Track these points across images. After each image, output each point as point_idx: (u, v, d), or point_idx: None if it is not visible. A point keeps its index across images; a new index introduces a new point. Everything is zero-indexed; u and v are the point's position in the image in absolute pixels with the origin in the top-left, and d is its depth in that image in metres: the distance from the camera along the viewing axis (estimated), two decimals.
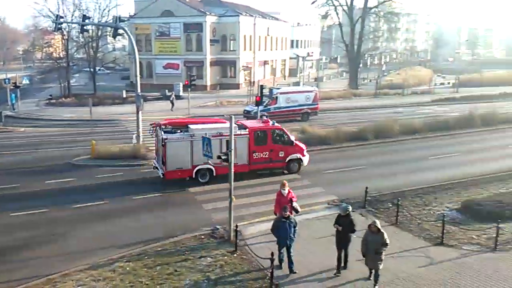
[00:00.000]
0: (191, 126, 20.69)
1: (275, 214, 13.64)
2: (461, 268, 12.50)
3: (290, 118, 35.67)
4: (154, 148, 23.12)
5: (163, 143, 19.76)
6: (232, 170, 13.89)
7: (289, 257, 12.22)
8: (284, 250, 12.29)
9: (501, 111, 36.99)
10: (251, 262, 12.88)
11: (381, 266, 11.25)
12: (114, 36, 30.89)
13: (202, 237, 14.80)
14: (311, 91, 39.08)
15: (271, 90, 32.92)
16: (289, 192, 13.78)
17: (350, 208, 12.17)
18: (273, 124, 22.30)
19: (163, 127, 21.04)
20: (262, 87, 29.47)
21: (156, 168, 21.12)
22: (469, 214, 16.29)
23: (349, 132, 29.60)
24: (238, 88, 61.47)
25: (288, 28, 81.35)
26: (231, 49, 63.03)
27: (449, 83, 65.87)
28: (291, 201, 13.39)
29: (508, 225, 15.08)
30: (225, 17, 62.98)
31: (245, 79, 64.06)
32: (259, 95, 28.96)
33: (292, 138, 22.47)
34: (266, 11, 78.73)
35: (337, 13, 67.04)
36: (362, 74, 75.02)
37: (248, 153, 21.02)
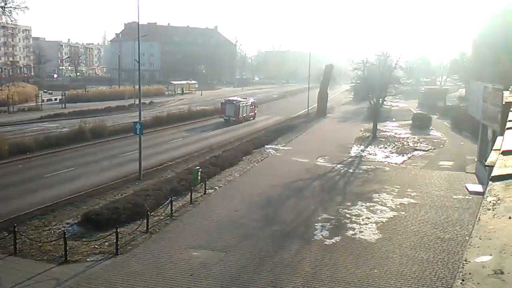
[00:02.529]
0: (239, 100, 51.11)
1: None
2: (88, 280, 12.74)
3: None
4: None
5: (238, 106, 48.42)
6: None
7: None
8: None
9: (109, 124, 40.10)
10: None
11: None
12: None
13: None
14: None
15: None
16: None
17: None
18: (253, 100, 55.28)
19: (233, 101, 50.19)
20: None
21: (227, 119, 48.21)
22: (90, 226, 16.80)
23: None
24: None
25: None
26: None
27: (56, 99, 65.80)
28: None
29: (126, 228, 16.56)
30: None
31: None
32: None
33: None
34: None
35: None
36: None
37: (249, 111, 51.33)
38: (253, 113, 52.57)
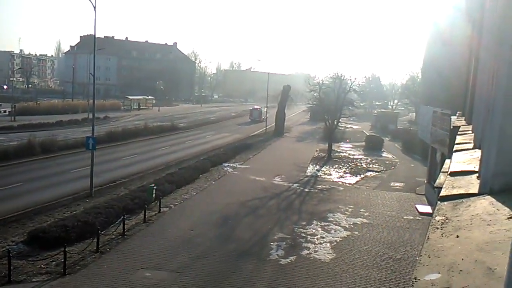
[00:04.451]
0: (260, 107, 78.98)
1: None
2: None
3: None
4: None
5: (261, 111, 75.82)
6: None
7: None
8: None
9: (60, 138, 38.64)
10: None
11: None
12: None
13: None
14: None
15: None
16: None
17: None
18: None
19: (257, 108, 79.77)
20: None
21: (253, 119, 76.22)
22: (36, 244, 15.98)
23: None
24: None
25: None
26: None
27: (5, 111, 62.95)
28: None
29: (75, 247, 15.87)
30: None
31: None
32: None
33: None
34: None
35: None
36: None
37: (265, 115, 68.28)
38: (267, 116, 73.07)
